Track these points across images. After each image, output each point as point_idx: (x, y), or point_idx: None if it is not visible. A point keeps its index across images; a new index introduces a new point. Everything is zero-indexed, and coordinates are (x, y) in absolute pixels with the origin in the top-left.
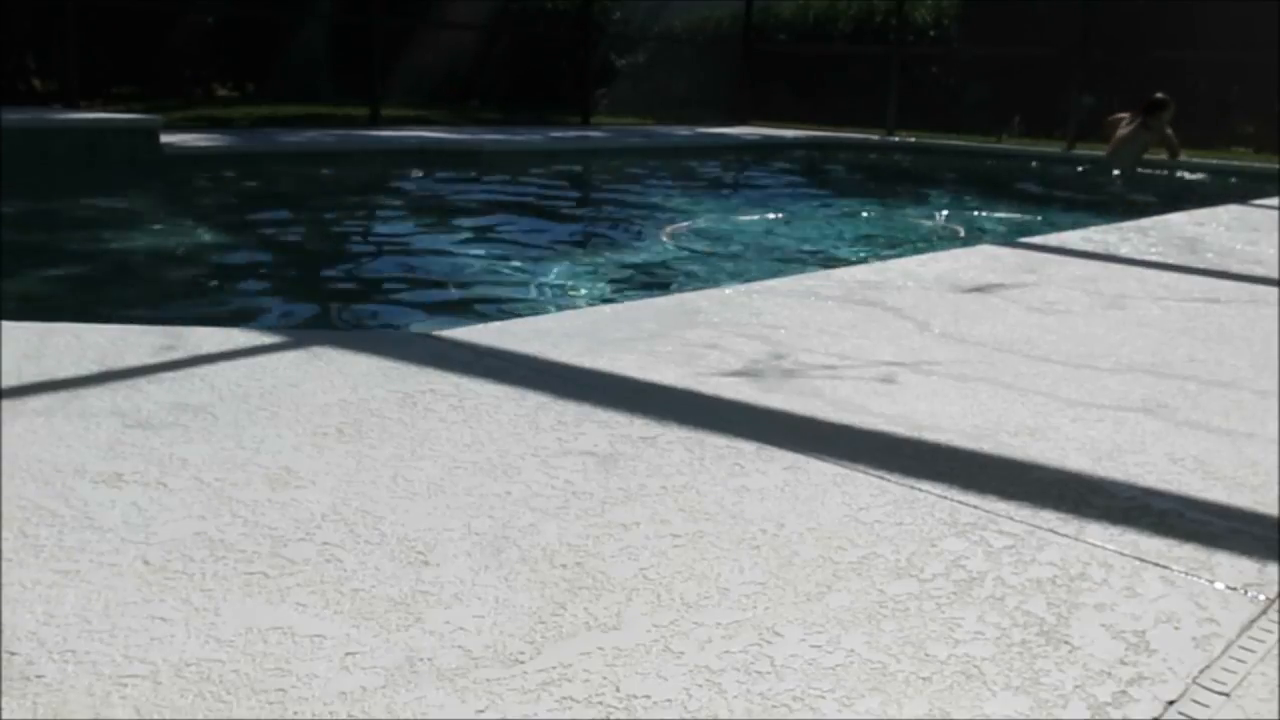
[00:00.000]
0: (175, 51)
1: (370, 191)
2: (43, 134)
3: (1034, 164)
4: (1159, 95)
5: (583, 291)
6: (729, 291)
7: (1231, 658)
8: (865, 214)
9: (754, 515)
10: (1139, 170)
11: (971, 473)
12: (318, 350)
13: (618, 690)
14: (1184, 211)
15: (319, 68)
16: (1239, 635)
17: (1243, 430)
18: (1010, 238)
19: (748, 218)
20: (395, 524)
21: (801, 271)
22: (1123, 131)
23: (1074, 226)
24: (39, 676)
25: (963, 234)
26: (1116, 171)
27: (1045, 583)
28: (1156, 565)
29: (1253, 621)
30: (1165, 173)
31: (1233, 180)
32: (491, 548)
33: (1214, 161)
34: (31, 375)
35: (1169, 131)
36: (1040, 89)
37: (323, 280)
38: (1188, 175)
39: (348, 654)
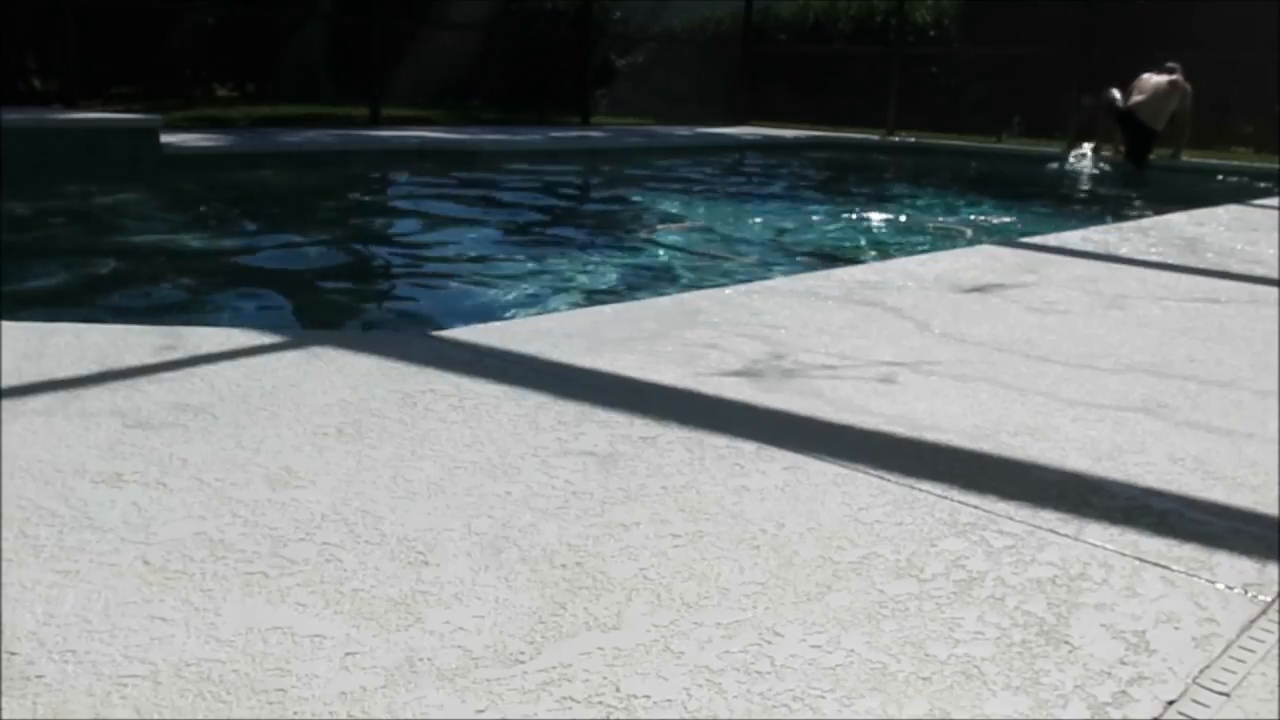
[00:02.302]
0: (175, 51)
1: (370, 191)
2: (43, 134)
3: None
4: (1170, 64)
5: (567, 290)
6: (729, 291)
7: (1231, 658)
8: (864, 213)
9: (754, 515)
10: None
11: (971, 473)
12: (318, 350)
13: (618, 690)
14: (1184, 211)
15: (319, 68)
16: (1239, 635)
17: (1243, 430)
18: (1012, 237)
19: (741, 217)
20: (395, 524)
21: (798, 271)
22: (1158, 81)
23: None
24: (39, 676)
25: (970, 234)
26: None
27: (1045, 583)
28: (1156, 565)
29: (1253, 621)
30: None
31: (1233, 180)
32: (491, 548)
33: (1214, 161)
34: (31, 375)
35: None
36: (1040, 89)
37: (323, 280)
38: (1230, 178)
39: (348, 654)
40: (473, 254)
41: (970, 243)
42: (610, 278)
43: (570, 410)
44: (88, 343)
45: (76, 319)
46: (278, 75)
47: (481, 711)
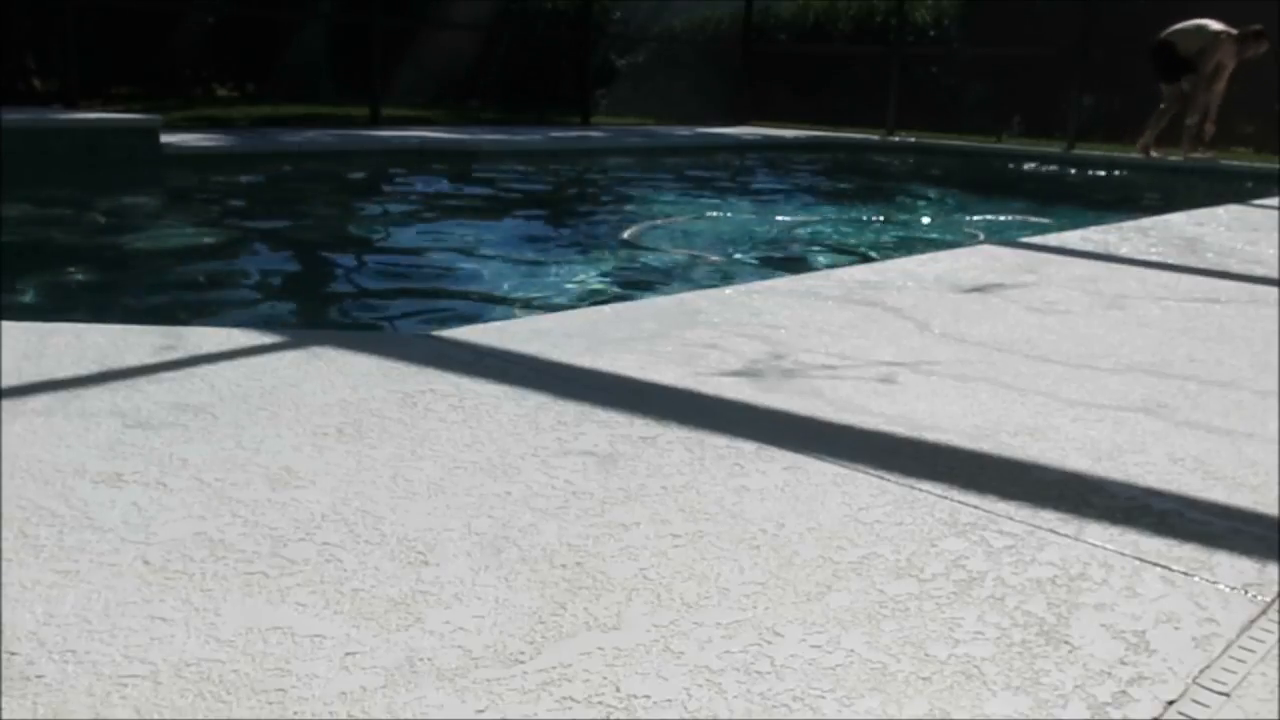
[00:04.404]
0: (175, 51)
1: (370, 191)
2: (43, 134)
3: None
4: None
5: (566, 288)
6: (729, 291)
7: (1231, 658)
8: (863, 213)
9: (754, 515)
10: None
11: (971, 473)
12: (318, 350)
13: (618, 690)
14: (1184, 211)
15: (319, 68)
16: (1239, 635)
17: (1243, 430)
18: (1012, 237)
19: (741, 216)
20: (395, 524)
21: (798, 271)
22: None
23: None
24: (39, 676)
25: (969, 233)
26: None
27: (1045, 583)
28: (1156, 565)
29: (1253, 621)
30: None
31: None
32: (491, 548)
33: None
34: (31, 375)
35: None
36: (1040, 89)
37: (323, 280)
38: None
39: (348, 654)
40: (473, 253)
41: (970, 242)
42: (610, 277)
43: (570, 410)
44: (88, 343)
45: (76, 319)
46: (278, 75)
47: (481, 711)
